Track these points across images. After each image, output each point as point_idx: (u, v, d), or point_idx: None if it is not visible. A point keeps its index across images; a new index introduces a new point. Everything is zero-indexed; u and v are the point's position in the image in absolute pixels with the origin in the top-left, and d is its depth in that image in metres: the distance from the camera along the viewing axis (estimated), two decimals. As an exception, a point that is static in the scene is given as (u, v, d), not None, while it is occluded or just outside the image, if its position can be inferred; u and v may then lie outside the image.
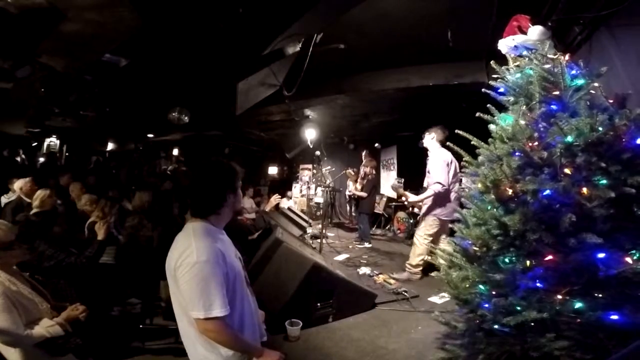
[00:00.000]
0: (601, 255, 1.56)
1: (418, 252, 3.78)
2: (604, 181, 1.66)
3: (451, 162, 3.80)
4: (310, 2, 2.50)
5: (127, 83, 4.96)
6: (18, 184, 4.41)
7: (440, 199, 3.75)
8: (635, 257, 1.55)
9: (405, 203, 5.13)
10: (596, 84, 1.92)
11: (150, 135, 9.49)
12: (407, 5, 3.10)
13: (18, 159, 8.34)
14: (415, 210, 4.72)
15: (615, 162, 1.67)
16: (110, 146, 9.92)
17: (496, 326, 1.71)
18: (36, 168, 8.16)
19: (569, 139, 1.76)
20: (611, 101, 1.87)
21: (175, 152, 11.11)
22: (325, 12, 2.70)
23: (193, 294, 1.28)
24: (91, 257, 2.82)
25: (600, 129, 1.68)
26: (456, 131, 2.34)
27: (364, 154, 6.86)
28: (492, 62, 2.30)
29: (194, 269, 1.27)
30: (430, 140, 3.92)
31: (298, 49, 3.46)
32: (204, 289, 1.27)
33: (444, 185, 3.62)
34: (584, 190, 1.67)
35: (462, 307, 1.97)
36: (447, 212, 3.74)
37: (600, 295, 1.57)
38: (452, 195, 3.79)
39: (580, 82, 1.93)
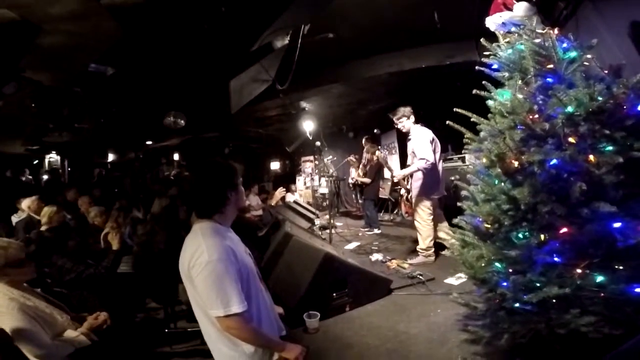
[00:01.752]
0: (617, 224, 1.55)
1: (425, 235, 3.79)
2: (610, 147, 1.65)
3: (433, 140, 3.77)
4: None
5: (118, 92, 4.93)
6: (26, 203, 4.47)
7: (429, 177, 3.73)
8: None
9: (393, 177, 5.00)
10: (589, 56, 1.90)
11: (149, 142, 9.49)
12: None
13: (23, 178, 8.40)
14: (402, 190, 4.64)
15: (619, 129, 1.66)
16: (110, 157, 9.94)
17: (517, 304, 1.72)
18: (41, 186, 8.21)
19: (570, 109, 1.76)
20: (606, 72, 1.86)
21: (176, 156, 11.12)
22: (310, 3, 2.65)
23: (210, 293, 1.30)
24: (109, 267, 2.88)
25: (600, 98, 1.68)
26: (455, 109, 2.32)
27: (364, 140, 6.82)
28: (482, 40, 2.28)
29: (207, 268, 1.29)
30: (407, 121, 3.89)
31: (286, 42, 3.41)
32: (219, 286, 1.29)
33: (428, 161, 3.60)
34: (591, 157, 1.67)
35: (481, 287, 1.97)
36: (437, 190, 3.78)
37: (621, 268, 1.55)
38: (439, 173, 3.82)
39: (573, 54, 1.92)
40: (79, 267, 2.80)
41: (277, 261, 3.19)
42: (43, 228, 3.46)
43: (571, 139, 1.75)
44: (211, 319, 1.36)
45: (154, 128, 7.31)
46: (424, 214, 3.76)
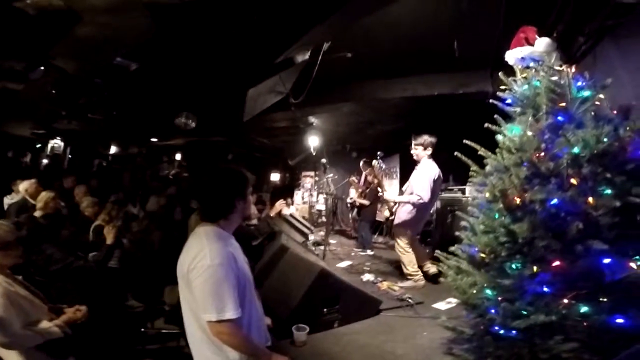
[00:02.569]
0: (606, 260, 1.60)
1: (407, 260, 3.82)
2: (609, 191, 1.70)
3: (438, 178, 3.77)
4: (326, 12, 2.57)
5: (135, 87, 5.02)
6: (23, 186, 4.43)
7: (417, 213, 3.75)
8: (639, 263, 1.58)
9: (381, 195, 4.92)
10: (601, 96, 1.97)
11: (154, 140, 9.55)
12: (417, 15, 3.18)
13: (23, 160, 8.37)
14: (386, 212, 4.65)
15: (620, 173, 1.72)
16: (113, 149, 9.98)
17: (503, 330, 1.74)
18: (39, 170, 8.18)
19: (576, 150, 1.81)
20: (615, 112, 1.91)
21: (178, 156, 11.16)
22: (338, 22, 2.77)
23: (206, 296, 1.29)
24: (100, 261, 2.84)
25: (605, 140, 1.73)
26: (464, 141, 2.36)
27: (362, 163, 6.87)
28: (500, 74, 2.36)
29: (207, 271, 1.29)
30: (422, 151, 3.79)
31: (307, 57, 3.52)
32: (217, 291, 1.29)
33: (422, 199, 3.62)
34: (590, 199, 1.72)
35: (471, 312, 1.99)
36: (416, 228, 3.85)
37: (605, 300, 1.60)
38: (428, 211, 3.89)
39: (586, 93, 1.99)
40: (68, 259, 2.74)
41: (270, 272, 3.19)
42: (37, 213, 3.42)
43: (573, 180, 1.80)
44: (200, 322, 1.35)
45: (162, 126, 7.41)
46: (402, 242, 3.83)
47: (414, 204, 3.72)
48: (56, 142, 8.72)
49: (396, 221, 3.95)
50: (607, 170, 1.74)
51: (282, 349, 2.09)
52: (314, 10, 2.59)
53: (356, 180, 6.93)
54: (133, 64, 4.24)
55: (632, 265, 1.60)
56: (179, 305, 1.46)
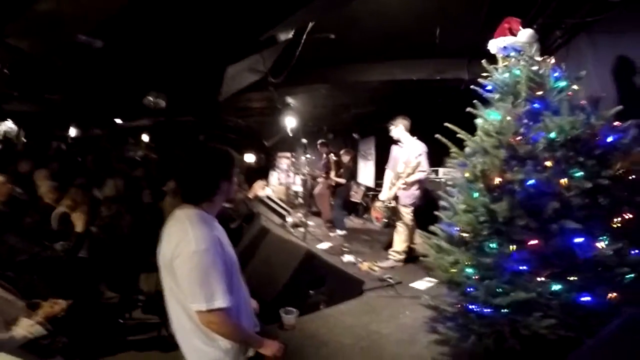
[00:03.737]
0: (578, 240, 1.74)
1: (404, 238, 3.98)
2: (580, 173, 1.84)
3: (426, 152, 4.01)
4: None
5: (98, 65, 4.60)
6: (-28, 173, 4.00)
7: (418, 188, 3.98)
8: (605, 244, 1.72)
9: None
10: (575, 87, 2.10)
11: (118, 121, 8.94)
12: (403, 2, 3.15)
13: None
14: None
15: (590, 157, 1.86)
16: (73, 132, 9.24)
17: (485, 308, 1.84)
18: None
19: (552, 135, 1.93)
20: (584, 102, 2.05)
21: (145, 138, 10.56)
22: (327, 3, 2.66)
23: (193, 285, 1.22)
24: (70, 251, 2.66)
25: (579, 127, 1.85)
26: (445, 124, 2.43)
27: (319, 144, 7.05)
28: (483, 61, 2.43)
29: (193, 258, 1.22)
30: (401, 131, 4.08)
31: (290, 36, 3.38)
32: (204, 279, 1.22)
33: (428, 174, 3.91)
34: (563, 181, 1.85)
35: (453, 290, 2.08)
36: (419, 199, 4.03)
37: (575, 278, 1.75)
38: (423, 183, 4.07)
39: (562, 84, 2.12)
40: (34, 249, 2.54)
41: (251, 255, 3.14)
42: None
43: (548, 163, 1.93)
44: (189, 312, 1.29)
45: (126, 106, 6.91)
46: (407, 219, 3.96)
47: (421, 180, 3.93)
48: (9, 125, 7.91)
49: (406, 202, 4.03)
50: (579, 155, 1.87)
51: (271, 333, 2.09)
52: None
53: (335, 159, 6.93)
54: (98, 42, 3.85)
55: (599, 245, 1.74)
56: (157, 293, 1.38)
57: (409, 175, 3.83)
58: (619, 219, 1.77)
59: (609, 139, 1.87)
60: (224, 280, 1.26)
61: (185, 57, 4.02)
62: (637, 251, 1.72)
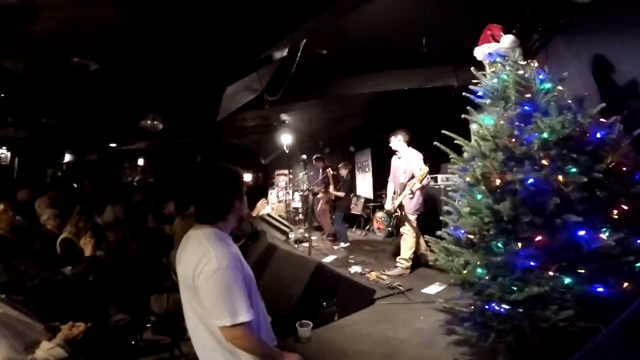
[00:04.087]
0: (581, 232, 1.81)
1: (409, 246, 4.03)
2: (575, 169, 1.93)
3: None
4: (311, 12, 2.56)
5: (93, 88, 4.66)
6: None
7: (421, 195, 4.08)
8: (606, 235, 1.80)
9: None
10: (560, 87, 2.22)
11: (112, 145, 8.95)
12: (390, 14, 3.32)
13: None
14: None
15: (583, 153, 1.95)
16: (67, 157, 9.19)
17: (502, 305, 1.88)
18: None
19: (545, 135, 2.03)
20: (570, 101, 2.16)
21: (141, 162, 10.54)
22: (320, 21, 2.78)
23: (217, 301, 1.25)
24: (80, 275, 2.66)
25: (568, 126, 1.95)
26: (443, 131, 2.53)
27: (314, 159, 7.06)
28: (472, 69, 2.55)
29: (215, 276, 1.24)
30: (399, 142, 4.22)
31: (285, 54, 3.50)
32: (227, 295, 1.24)
33: (429, 181, 3.99)
34: (560, 177, 1.93)
35: (468, 290, 2.12)
36: (422, 206, 4.11)
37: (583, 271, 1.80)
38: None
39: (547, 85, 2.24)
40: (44, 273, 2.55)
41: (260, 272, 3.16)
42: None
43: (544, 161, 2.02)
44: (211, 329, 1.30)
45: (121, 129, 6.93)
46: (412, 226, 4.03)
47: (424, 187, 4.03)
48: (2, 152, 7.84)
49: (410, 209, 4.10)
50: (572, 152, 1.96)
51: (288, 346, 2.10)
52: (298, 10, 2.58)
53: (333, 174, 7.00)
54: (92, 64, 3.93)
55: (602, 236, 1.81)
56: (168, 314, 1.39)
57: (414, 184, 3.91)
58: (617, 210, 1.84)
59: (598, 135, 1.98)
60: (246, 295, 1.29)
61: (183, 78, 4.10)
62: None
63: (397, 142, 4.23)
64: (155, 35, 3.16)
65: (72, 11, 2.65)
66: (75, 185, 7.35)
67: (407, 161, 4.12)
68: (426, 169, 3.93)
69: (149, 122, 5.40)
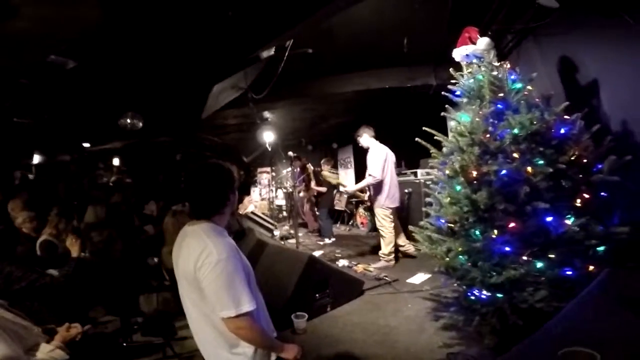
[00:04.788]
0: (549, 219, 2.02)
1: (387, 241, 4.17)
2: (542, 161, 2.13)
3: (386, 157, 4.21)
4: (303, 13, 2.62)
5: (69, 86, 4.48)
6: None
7: (386, 189, 4.14)
8: (571, 221, 2.00)
9: (343, 190, 5.47)
10: (530, 87, 2.43)
11: (86, 145, 8.59)
12: (373, 14, 3.44)
13: None
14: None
15: (549, 147, 2.17)
16: (36, 159, 8.73)
17: (484, 289, 2.05)
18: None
19: (516, 131, 2.23)
20: (538, 99, 2.37)
21: (116, 161, 10.17)
22: (311, 21, 2.85)
23: (220, 292, 1.27)
24: (69, 276, 2.62)
25: (536, 122, 2.16)
26: (423, 128, 2.70)
27: (293, 158, 7.16)
28: (451, 69, 2.73)
29: (217, 267, 1.26)
30: (367, 139, 4.31)
31: (272, 53, 3.54)
32: (230, 285, 1.27)
33: (375, 177, 4.07)
34: (529, 168, 2.13)
35: (453, 275, 2.28)
36: (393, 200, 4.18)
37: (553, 255, 2.00)
38: (394, 185, 4.25)
39: (518, 85, 2.45)
40: (31, 276, 2.49)
41: (252, 267, 3.20)
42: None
43: (515, 155, 2.21)
44: (213, 322, 1.33)
45: (95, 129, 6.67)
46: (385, 222, 4.14)
47: (373, 185, 4.13)
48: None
49: (379, 205, 4.22)
50: (539, 146, 2.18)
51: (284, 338, 2.17)
52: (290, 12, 2.63)
53: (318, 170, 7.08)
54: (70, 62, 3.79)
55: (567, 222, 2.01)
56: (158, 313, 1.40)
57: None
58: (580, 198, 2.06)
59: (562, 131, 2.20)
60: (247, 286, 1.33)
61: (167, 77, 4.04)
62: (601, 227, 2.00)
63: (366, 139, 4.30)
64: (141, 33, 3.10)
65: (56, 9, 2.57)
66: (48, 187, 7.04)
67: (369, 157, 4.21)
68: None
69: (128, 121, 5.25)
